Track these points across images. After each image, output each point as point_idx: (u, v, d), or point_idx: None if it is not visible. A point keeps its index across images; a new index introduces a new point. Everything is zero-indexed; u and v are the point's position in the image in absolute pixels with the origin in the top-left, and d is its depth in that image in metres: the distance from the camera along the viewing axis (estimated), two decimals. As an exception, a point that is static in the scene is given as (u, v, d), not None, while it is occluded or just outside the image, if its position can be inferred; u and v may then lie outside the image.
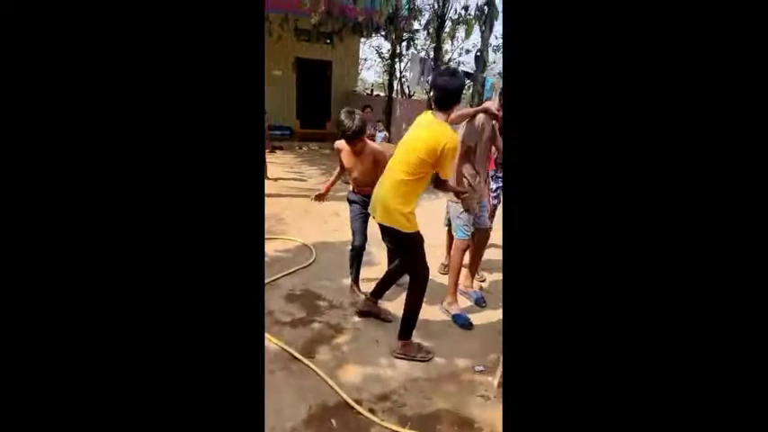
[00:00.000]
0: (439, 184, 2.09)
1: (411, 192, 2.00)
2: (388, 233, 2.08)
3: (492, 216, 3.12)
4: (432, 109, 2.05)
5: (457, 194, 2.33)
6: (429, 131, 1.94)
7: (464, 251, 2.62)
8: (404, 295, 2.20)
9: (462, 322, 2.53)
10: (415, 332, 2.24)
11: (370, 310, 2.48)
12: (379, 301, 2.52)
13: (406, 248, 2.12)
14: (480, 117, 2.45)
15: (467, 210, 2.52)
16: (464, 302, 2.79)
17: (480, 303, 2.80)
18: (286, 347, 2.15)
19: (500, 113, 2.45)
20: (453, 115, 2.30)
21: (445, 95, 1.95)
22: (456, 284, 2.64)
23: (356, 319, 2.50)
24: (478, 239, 2.78)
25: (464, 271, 2.87)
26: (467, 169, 2.52)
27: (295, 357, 2.09)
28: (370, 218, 2.25)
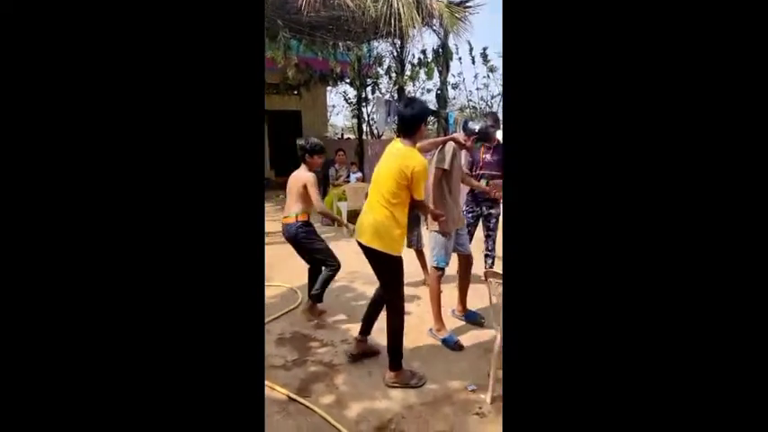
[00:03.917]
0: (414, 205, 2.24)
1: (396, 215, 2.14)
2: (373, 256, 2.19)
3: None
4: (399, 137, 2.26)
5: (434, 216, 2.43)
6: (399, 158, 2.13)
7: (440, 278, 2.72)
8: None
9: (452, 344, 2.61)
10: (406, 358, 2.30)
11: (363, 351, 2.49)
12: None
13: (390, 271, 2.21)
14: (450, 144, 2.64)
15: (443, 233, 2.64)
16: (452, 324, 2.87)
17: (479, 320, 2.91)
18: (282, 390, 2.17)
19: (467, 143, 2.67)
20: (425, 143, 2.47)
21: (407, 122, 2.19)
22: (439, 311, 2.71)
23: (348, 355, 2.54)
24: (464, 265, 2.89)
25: (457, 298, 2.99)
26: (446, 196, 2.65)
27: (292, 398, 2.11)
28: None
